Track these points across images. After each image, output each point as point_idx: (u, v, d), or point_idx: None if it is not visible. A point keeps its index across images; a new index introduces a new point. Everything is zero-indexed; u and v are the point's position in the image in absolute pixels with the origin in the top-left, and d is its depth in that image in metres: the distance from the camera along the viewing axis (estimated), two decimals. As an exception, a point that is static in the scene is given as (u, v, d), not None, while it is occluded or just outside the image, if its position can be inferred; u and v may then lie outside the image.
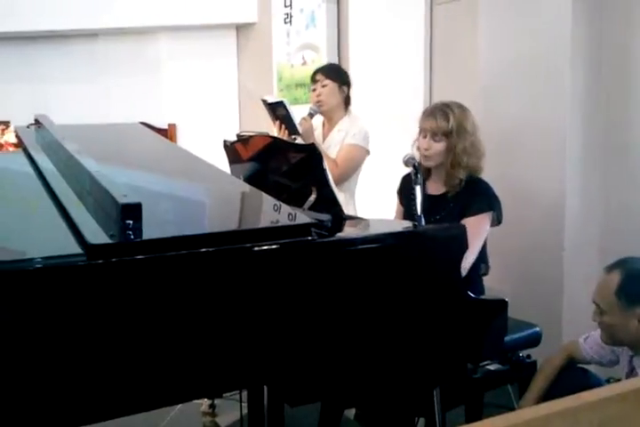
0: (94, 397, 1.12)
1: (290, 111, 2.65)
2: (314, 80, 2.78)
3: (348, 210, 2.51)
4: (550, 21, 2.67)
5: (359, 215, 2.61)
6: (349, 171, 2.68)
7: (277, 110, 2.69)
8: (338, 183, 2.60)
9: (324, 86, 2.74)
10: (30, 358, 1.05)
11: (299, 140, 2.65)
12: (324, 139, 2.79)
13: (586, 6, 2.64)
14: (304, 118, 2.69)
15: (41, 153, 1.75)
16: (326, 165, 1.67)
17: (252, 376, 1.29)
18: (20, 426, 1.07)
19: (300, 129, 2.65)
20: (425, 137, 2.14)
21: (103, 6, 4.68)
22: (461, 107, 2.14)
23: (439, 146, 2.12)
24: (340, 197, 2.60)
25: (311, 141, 2.61)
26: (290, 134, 2.66)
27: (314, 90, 2.77)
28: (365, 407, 1.86)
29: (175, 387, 1.19)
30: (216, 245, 1.18)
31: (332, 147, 2.71)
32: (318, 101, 2.74)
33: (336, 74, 2.79)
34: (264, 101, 2.78)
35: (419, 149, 2.18)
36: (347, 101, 2.80)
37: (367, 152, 2.71)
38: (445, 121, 2.09)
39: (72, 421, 1.11)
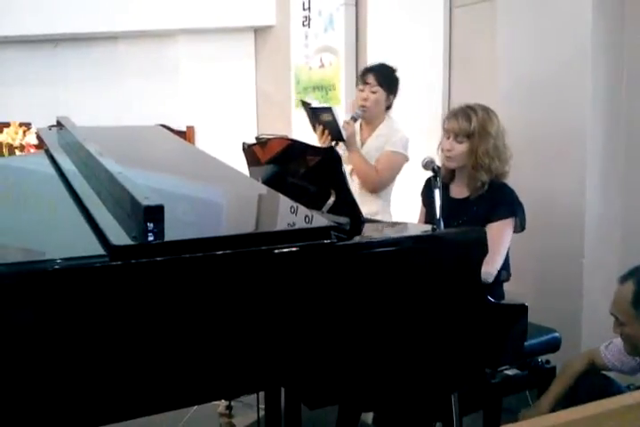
0: (115, 397, 1.12)
1: (337, 117, 2.58)
2: (364, 81, 2.66)
3: (384, 217, 2.52)
4: (571, 24, 2.65)
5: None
6: (390, 178, 2.65)
7: (322, 116, 2.60)
8: (377, 190, 2.60)
9: (373, 92, 2.64)
10: (52, 358, 1.07)
11: (341, 147, 2.60)
12: (362, 144, 2.72)
13: (607, 7, 2.61)
14: (347, 122, 2.61)
15: (63, 154, 1.77)
16: (345, 168, 1.67)
17: (271, 378, 1.30)
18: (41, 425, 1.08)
19: (344, 135, 2.58)
20: (448, 138, 2.14)
21: (123, 9, 4.74)
22: (486, 109, 2.13)
23: (461, 147, 2.11)
24: (377, 203, 2.62)
25: (354, 147, 2.59)
26: (332, 140, 2.59)
27: (361, 90, 2.67)
28: (383, 411, 1.86)
29: (193, 388, 1.20)
30: (237, 248, 1.19)
31: (372, 152, 2.65)
32: (363, 106, 2.65)
33: (389, 82, 2.68)
34: (306, 105, 2.71)
35: (442, 150, 2.17)
36: (388, 107, 2.73)
37: (406, 159, 2.66)
38: (467, 122, 2.09)
39: (93, 421, 1.12)
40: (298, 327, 1.25)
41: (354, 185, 2.63)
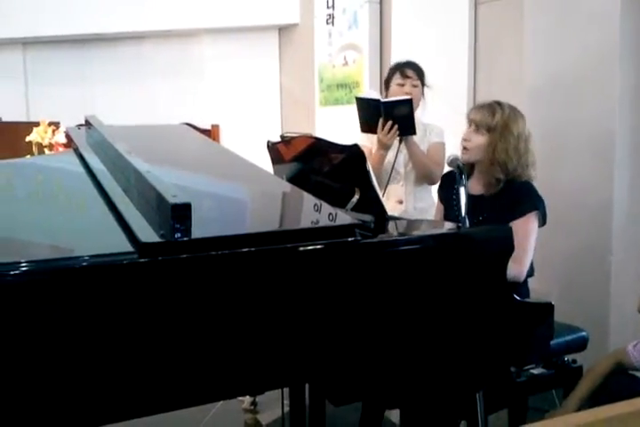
0: (143, 392, 1.14)
1: (413, 110, 2.47)
2: (404, 75, 2.60)
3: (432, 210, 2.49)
4: (599, 19, 2.61)
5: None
6: (443, 168, 2.56)
7: (396, 109, 2.44)
8: (436, 182, 2.52)
9: (414, 86, 2.60)
10: (82, 354, 1.09)
11: (394, 146, 2.53)
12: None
13: (636, 3, 2.57)
14: None
15: (91, 153, 1.80)
16: (370, 166, 1.67)
17: (296, 375, 1.31)
18: (74, 416, 1.11)
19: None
20: (469, 127, 2.13)
21: (149, 10, 4.79)
22: (514, 110, 2.10)
23: (479, 139, 2.09)
24: (432, 197, 2.59)
25: (414, 143, 2.54)
26: (402, 134, 2.48)
27: (401, 85, 2.60)
28: (408, 409, 1.85)
29: (218, 384, 1.21)
30: (261, 245, 1.20)
31: (420, 146, 2.62)
32: None
33: (424, 77, 2.65)
34: (370, 100, 2.53)
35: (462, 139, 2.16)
36: None
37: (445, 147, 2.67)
38: (491, 116, 2.07)
39: (122, 414, 1.14)
40: (322, 324, 1.26)
41: (409, 182, 2.62)
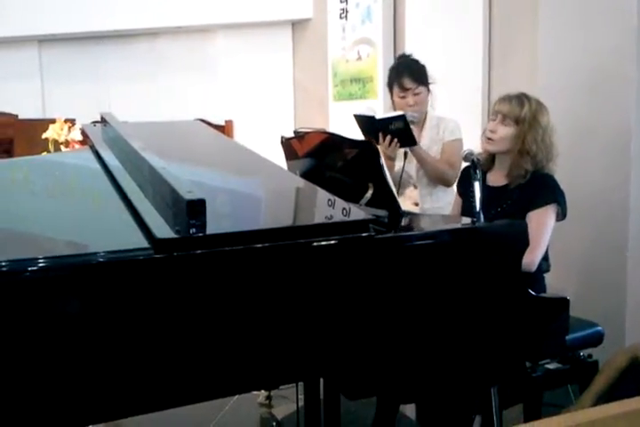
0: (159, 385, 1.16)
1: (409, 122, 2.45)
2: (403, 87, 2.54)
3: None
4: (616, 14, 2.58)
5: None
6: (460, 166, 2.53)
7: (391, 125, 2.45)
8: (453, 183, 2.51)
9: (416, 94, 2.55)
10: (99, 349, 1.10)
11: (399, 156, 2.52)
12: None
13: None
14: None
15: (107, 150, 1.81)
16: (383, 161, 1.67)
17: (310, 369, 1.31)
18: (93, 406, 1.12)
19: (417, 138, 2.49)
20: (494, 120, 2.12)
21: (163, 6, 4.81)
22: (540, 103, 2.11)
23: (506, 130, 2.08)
24: (449, 195, 2.55)
25: (422, 151, 2.52)
26: (402, 146, 2.47)
27: (403, 97, 2.56)
28: (424, 405, 1.86)
29: (234, 378, 1.22)
30: (276, 240, 1.20)
31: (433, 146, 2.60)
32: (413, 110, 2.53)
33: (422, 76, 2.57)
34: (366, 118, 2.53)
35: (485, 132, 2.15)
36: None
37: (462, 141, 2.61)
38: (520, 107, 2.07)
39: (141, 407, 1.15)
40: (337, 319, 1.26)
41: (423, 185, 2.60)
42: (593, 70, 2.67)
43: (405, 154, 2.52)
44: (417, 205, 2.60)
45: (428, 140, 2.62)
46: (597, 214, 2.67)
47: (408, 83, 2.54)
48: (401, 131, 2.44)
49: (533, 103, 2.09)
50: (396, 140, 2.44)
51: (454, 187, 2.61)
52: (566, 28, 2.79)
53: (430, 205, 2.59)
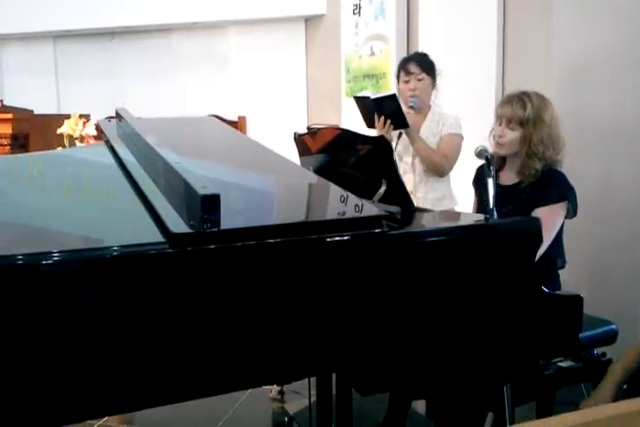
0: (172, 379, 1.17)
1: (401, 104, 2.56)
2: (407, 71, 2.66)
3: (451, 201, 2.61)
4: (629, 4, 2.55)
5: (458, 204, 2.65)
6: (456, 160, 2.65)
7: (385, 106, 2.56)
8: (445, 174, 2.62)
9: (420, 80, 2.64)
10: (114, 342, 1.11)
11: (395, 137, 2.59)
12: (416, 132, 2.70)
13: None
14: (407, 113, 2.59)
15: (122, 145, 1.82)
16: (396, 156, 1.67)
17: (323, 364, 1.32)
18: (109, 398, 1.14)
19: (408, 120, 2.56)
20: (500, 124, 2.11)
21: (177, 2, 4.82)
22: (541, 97, 2.09)
23: (513, 134, 2.09)
24: (443, 187, 2.64)
25: (416, 136, 2.58)
26: (396, 128, 2.56)
27: (406, 81, 2.66)
28: (435, 401, 1.86)
29: (246, 372, 1.23)
30: (289, 236, 1.21)
31: (431, 138, 2.65)
32: (413, 96, 2.64)
33: (430, 67, 2.68)
34: (363, 98, 2.65)
35: (494, 136, 2.15)
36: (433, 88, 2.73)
37: (462, 138, 2.67)
38: (522, 109, 2.06)
39: (155, 400, 1.16)
40: (349, 315, 1.26)
41: (418, 172, 2.63)
42: (608, 60, 2.65)
43: (400, 135, 2.58)
44: (411, 193, 2.62)
45: (426, 132, 2.67)
46: (612, 210, 2.65)
47: (413, 67, 2.65)
48: (393, 111, 2.53)
49: (535, 101, 2.07)
50: (389, 121, 2.53)
51: (450, 177, 2.63)
52: (581, 22, 2.76)
53: (424, 195, 2.62)
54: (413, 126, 2.59)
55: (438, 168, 2.61)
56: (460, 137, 2.65)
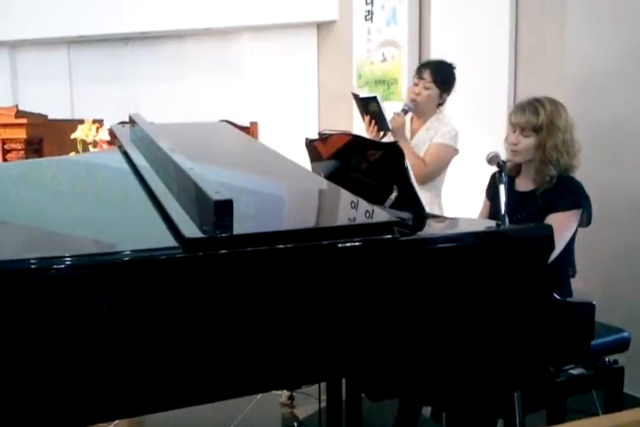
0: (182, 383, 1.17)
1: (382, 107, 2.61)
2: (420, 75, 2.68)
3: (432, 209, 2.53)
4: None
5: (445, 214, 2.61)
6: (437, 170, 2.64)
7: (369, 106, 2.64)
8: (424, 182, 2.59)
9: (426, 88, 2.65)
10: (126, 345, 1.12)
11: (388, 137, 2.63)
12: (412, 136, 2.74)
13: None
14: (397, 114, 2.63)
15: (135, 150, 1.84)
16: (408, 163, 1.67)
17: (333, 369, 1.32)
18: (119, 401, 1.15)
19: (390, 125, 2.60)
20: (514, 132, 2.11)
21: (190, 8, 4.86)
22: (554, 102, 2.09)
23: (528, 141, 2.09)
24: (426, 195, 2.61)
25: (401, 139, 2.58)
26: (379, 130, 2.62)
27: (415, 84, 2.69)
28: (443, 406, 1.85)
29: (257, 377, 1.23)
30: (300, 241, 1.21)
31: (421, 145, 2.67)
32: (414, 100, 2.67)
33: (444, 80, 2.67)
34: (355, 96, 2.76)
35: (508, 144, 2.15)
36: (440, 104, 2.74)
37: (456, 151, 2.66)
38: (535, 116, 2.06)
39: (167, 404, 1.17)
40: (360, 320, 1.27)
41: None
42: (622, 66, 2.64)
43: (382, 137, 2.63)
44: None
45: (421, 139, 2.68)
46: (624, 216, 2.63)
47: (426, 74, 2.66)
48: (376, 113, 2.61)
49: (548, 107, 2.07)
50: (374, 122, 2.60)
51: (439, 187, 2.63)
52: (593, 31, 2.76)
53: None
54: (398, 129, 2.61)
55: (416, 175, 2.55)
56: (450, 148, 2.64)
